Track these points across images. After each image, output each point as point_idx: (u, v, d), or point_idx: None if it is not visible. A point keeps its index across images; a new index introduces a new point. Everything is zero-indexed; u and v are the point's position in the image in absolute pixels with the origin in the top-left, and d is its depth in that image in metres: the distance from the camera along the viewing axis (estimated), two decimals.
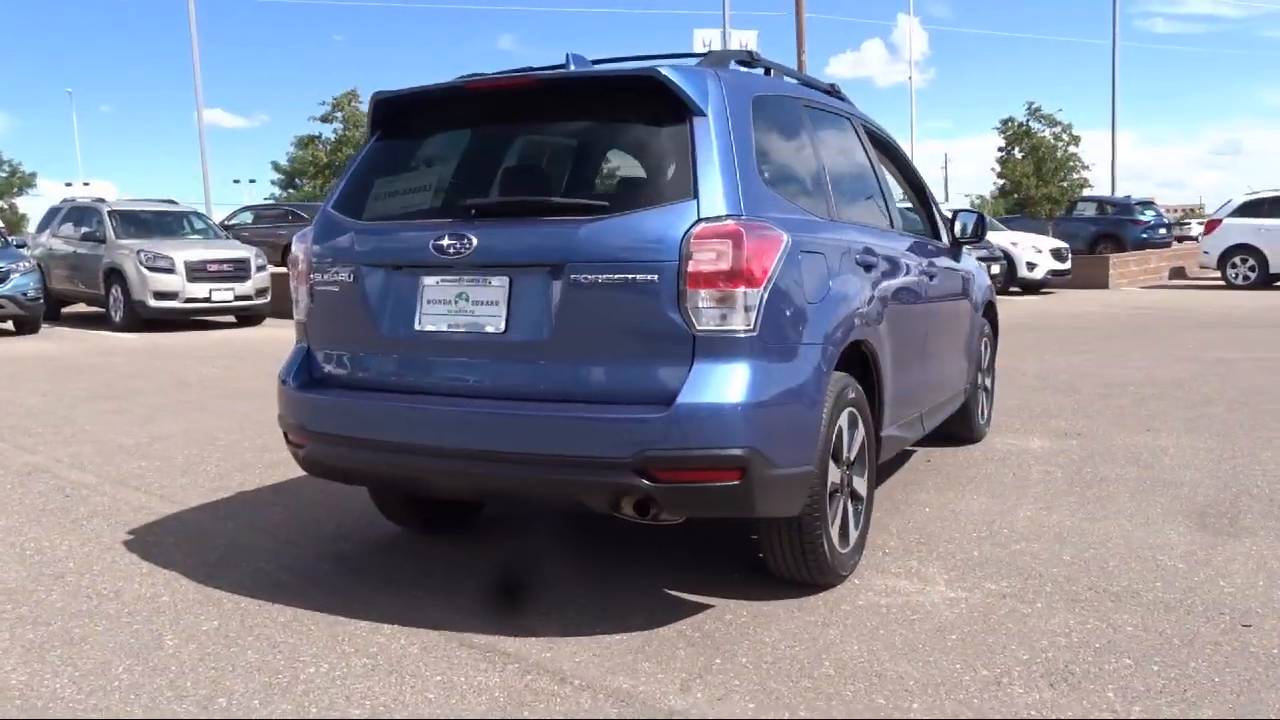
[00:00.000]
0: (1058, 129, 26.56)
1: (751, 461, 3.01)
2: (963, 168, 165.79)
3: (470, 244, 3.23)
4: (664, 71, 3.20)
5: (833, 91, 4.52)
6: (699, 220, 3.04)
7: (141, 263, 14.63)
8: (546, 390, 3.18)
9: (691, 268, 3.00)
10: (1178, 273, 24.00)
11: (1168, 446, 5.85)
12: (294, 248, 3.73)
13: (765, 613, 3.41)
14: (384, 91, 3.72)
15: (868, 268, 3.85)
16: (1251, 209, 20.02)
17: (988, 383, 6.23)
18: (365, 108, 19.14)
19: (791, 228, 3.27)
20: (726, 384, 3.01)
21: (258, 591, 3.68)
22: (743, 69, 3.77)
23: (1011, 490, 4.95)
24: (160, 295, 14.61)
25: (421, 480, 3.49)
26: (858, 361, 3.70)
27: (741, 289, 3.01)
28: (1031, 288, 19.54)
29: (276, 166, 46.58)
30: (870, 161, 4.54)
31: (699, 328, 3.01)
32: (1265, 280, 19.68)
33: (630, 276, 3.04)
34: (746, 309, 3.02)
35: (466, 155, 3.76)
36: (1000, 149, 27.60)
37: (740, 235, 3.02)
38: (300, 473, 5.47)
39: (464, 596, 3.60)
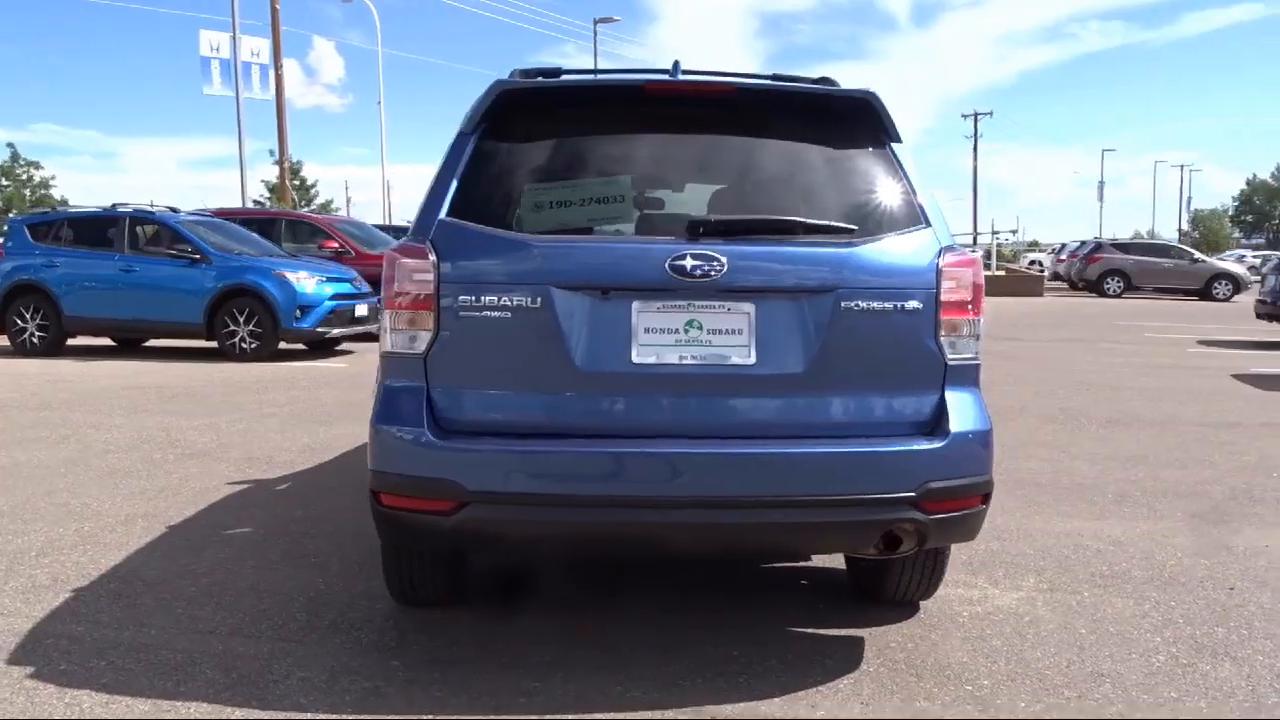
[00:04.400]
0: None
1: (991, 486, 3.09)
2: (373, 194, 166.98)
3: (720, 266, 2.87)
4: (876, 94, 3.14)
5: None
6: (944, 248, 3.05)
7: None
8: (798, 426, 2.94)
9: (944, 295, 3.00)
10: None
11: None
12: (402, 263, 2.96)
13: (909, 635, 3.48)
14: (512, 82, 3.12)
15: None
16: None
17: None
18: None
19: None
20: (976, 412, 3.05)
21: (369, 708, 2.90)
22: None
23: None
24: None
25: (652, 538, 2.98)
26: None
27: (974, 318, 3.08)
28: None
29: None
30: None
31: (949, 356, 3.02)
32: None
33: (899, 304, 2.96)
34: (976, 337, 3.09)
35: (652, 164, 3.27)
36: None
37: (978, 264, 3.09)
38: (133, 548, 4.31)
39: (614, 670, 3.15)
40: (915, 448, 2.94)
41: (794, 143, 3.21)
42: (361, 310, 12.75)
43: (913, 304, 2.98)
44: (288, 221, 16.10)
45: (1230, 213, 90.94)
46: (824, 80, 3.49)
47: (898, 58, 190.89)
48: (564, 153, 3.21)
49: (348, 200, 65.05)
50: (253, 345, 11.93)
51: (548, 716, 2.83)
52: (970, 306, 3.06)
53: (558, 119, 3.24)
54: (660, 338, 2.91)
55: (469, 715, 2.84)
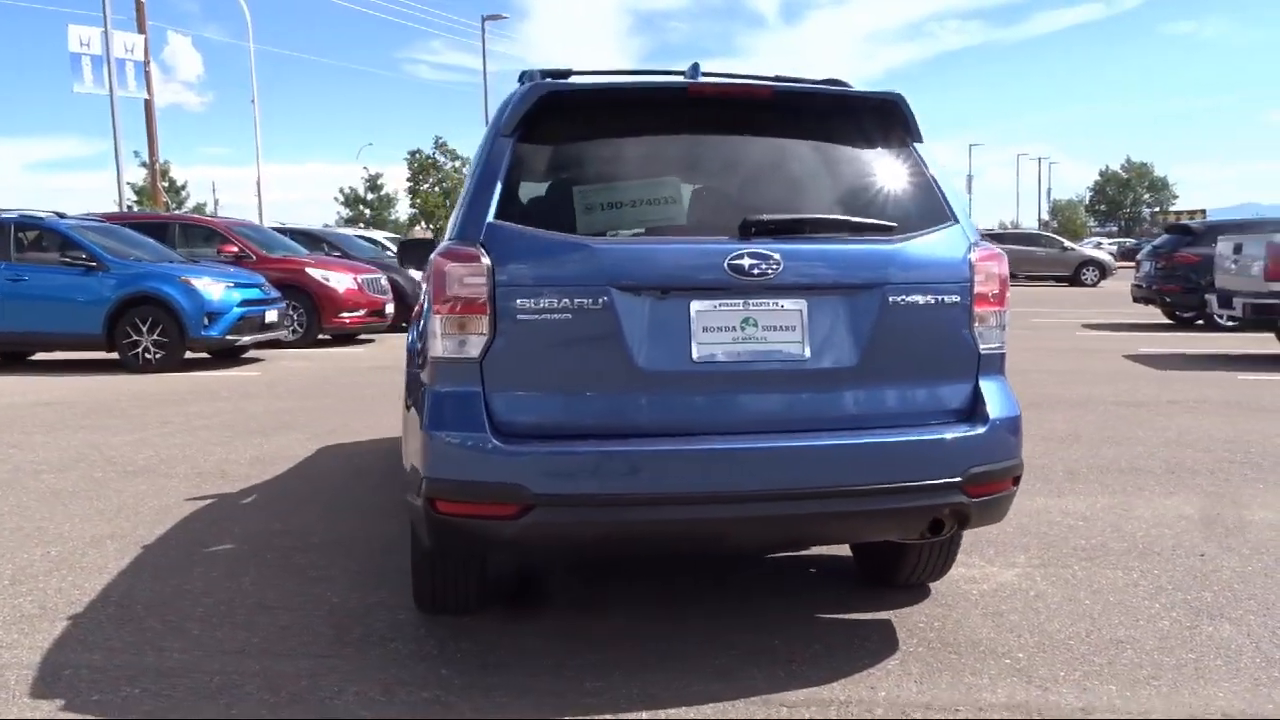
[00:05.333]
0: (459, 163, 28.25)
1: (1021, 469, 3.24)
2: (237, 195, 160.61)
3: (777, 265, 2.93)
4: (903, 96, 3.25)
5: None
6: (972, 243, 3.18)
7: None
8: (853, 417, 3.03)
9: (977, 288, 3.13)
10: None
11: None
12: (453, 267, 2.92)
13: (932, 615, 3.62)
14: (553, 85, 3.10)
15: None
16: None
17: None
18: None
19: None
20: (1007, 398, 3.19)
21: (437, 716, 2.85)
22: None
23: None
24: None
25: (717, 533, 3.01)
26: None
27: (1001, 309, 3.22)
28: None
29: None
30: None
31: (981, 345, 3.15)
32: None
33: (939, 297, 3.08)
34: (1003, 327, 3.23)
35: (695, 164, 3.28)
36: (409, 179, 28.95)
37: (1003, 258, 3.23)
38: (114, 571, 4.18)
39: (665, 666, 3.19)
40: (960, 434, 3.07)
41: (826, 143, 3.29)
42: (272, 316, 12.37)
43: (950, 297, 3.11)
44: (182, 225, 15.49)
45: (1085, 202, 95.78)
46: (833, 81, 3.59)
47: (767, 54, 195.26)
48: (607, 154, 3.23)
49: (215, 201, 62.86)
50: (158, 356, 11.45)
51: (624, 715, 2.85)
52: (997, 298, 3.20)
53: (596, 120, 3.25)
54: (718, 335, 2.96)
55: (543, 717, 2.84)
